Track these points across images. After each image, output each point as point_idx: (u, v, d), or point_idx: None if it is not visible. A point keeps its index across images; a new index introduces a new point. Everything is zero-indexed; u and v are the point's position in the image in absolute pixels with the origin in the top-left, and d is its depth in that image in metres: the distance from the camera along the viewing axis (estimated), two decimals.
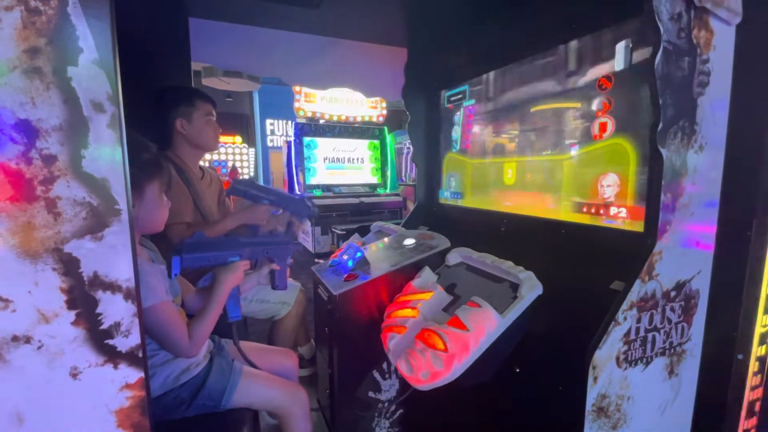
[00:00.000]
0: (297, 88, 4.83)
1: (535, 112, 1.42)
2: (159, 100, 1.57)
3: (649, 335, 0.96)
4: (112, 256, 0.57)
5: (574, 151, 1.27)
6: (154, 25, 1.65)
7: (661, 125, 0.88)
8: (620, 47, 1.09)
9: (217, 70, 4.83)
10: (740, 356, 1.05)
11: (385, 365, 1.45)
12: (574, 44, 1.25)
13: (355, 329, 1.37)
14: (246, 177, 8.10)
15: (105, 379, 0.59)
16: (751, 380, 1.06)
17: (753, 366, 1.06)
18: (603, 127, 1.15)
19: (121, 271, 0.58)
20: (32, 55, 0.52)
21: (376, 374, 1.44)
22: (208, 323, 1.08)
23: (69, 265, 0.56)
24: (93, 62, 0.54)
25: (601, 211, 1.17)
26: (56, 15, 0.53)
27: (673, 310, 0.99)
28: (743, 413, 1.08)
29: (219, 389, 1.12)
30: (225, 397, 1.12)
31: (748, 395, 1.07)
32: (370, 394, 1.44)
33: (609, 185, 1.14)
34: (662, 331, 0.99)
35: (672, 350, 1.02)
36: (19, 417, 0.55)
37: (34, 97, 0.52)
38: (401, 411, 1.52)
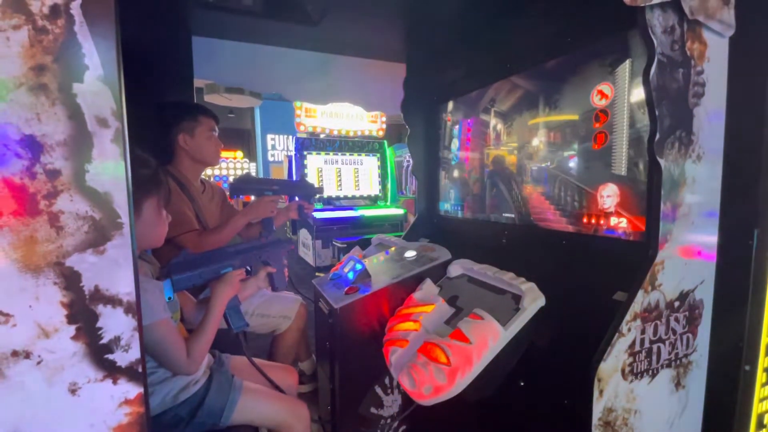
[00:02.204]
0: (298, 104, 4.89)
1: (533, 124, 1.44)
2: (162, 114, 1.59)
3: (654, 346, 0.95)
4: (113, 270, 0.57)
5: (572, 163, 1.28)
6: (159, 44, 1.68)
7: (658, 136, 0.88)
8: (616, 60, 1.11)
9: (219, 86, 4.91)
10: (747, 367, 1.03)
11: (387, 380, 1.43)
12: (570, 57, 1.27)
13: (357, 343, 1.36)
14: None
15: (104, 395, 0.58)
16: (760, 392, 1.04)
17: (761, 377, 1.04)
18: (601, 138, 1.16)
19: (122, 285, 0.58)
20: (39, 73, 0.53)
21: (378, 389, 1.42)
22: (207, 339, 1.06)
23: (70, 279, 0.55)
24: (98, 79, 0.55)
25: (602, 222, 1.17)
26: (63, 34, 0.54)
27: (677, 320, 0.98)
28: (752, 426, 1.06)
29: (218, 407, 1.10)
30: (224, 414, 1.10)
31: (757, 407, 1.05)
32: (372, 409, 1.42)
33: (609, 195, 1.15)
34: (667, 342, 0.98)
35: (678, 362, 1.00)
36: None
37: (39, 113, 0.53)
38: (404, 427, 1.49)
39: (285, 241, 1.31)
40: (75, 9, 0.54)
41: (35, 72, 0.53)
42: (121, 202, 0.57)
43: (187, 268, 1.08)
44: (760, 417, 1.06)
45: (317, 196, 1.81)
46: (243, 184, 1.72)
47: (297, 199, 1.80)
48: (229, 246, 1.20)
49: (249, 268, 1.25)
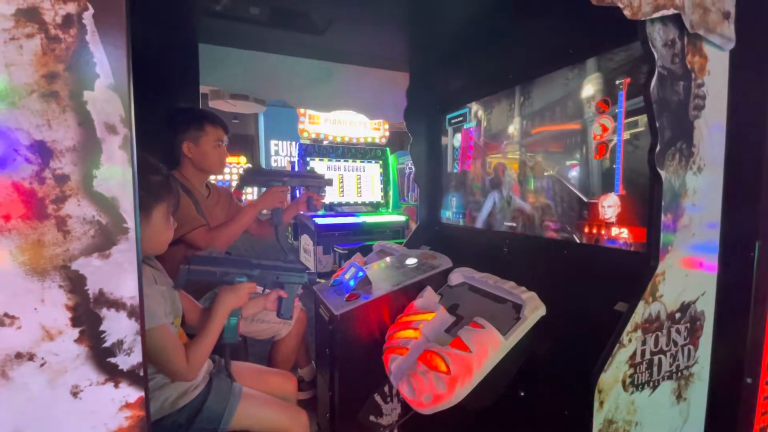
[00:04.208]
0: (301, 111, 4.93)
1: (536, 133, 1.45)
2: (170, 120, 1.60)
3: (655, 358, 0.95)
4: (118, 274, 0.58)
5: (574, 172, 1.28)
6: (166, 51, 1.71)
7: (658, 147, 0.89)
8: (617, 71, 1.12)
9: (224, 92, 4.96)
10: (749, 380, 1.02)
11: (386, 388, 1.42)
12: (572, 68, 1.29)
13: (357, 350, 1.36)
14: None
15: (105, 398, 0.59)
16: (762, 405, 1.04)
17: (763, 390, 1.03)
18: (602, 149, 1.17)
19: (127, 289, 0.59)
20: (50, 80, 0.54)
21: (378, 397, 1.41)
22: (207, 345, 1.06)
23: (75, 283, 0.56)
24: (108, 87, 0.57)
25: (603, 232, 1.17)
26: (75, 42, 0.55)
27: (678, 332, 0.98)
28: None
29: (217, 413, 1.10)
30: (224, 420, 1.10)
31: (759, 420, 1.04)
32: (372, 418, 1.41)
33: (610, 206, 1.15)
34: (668, 354, 0.97)
35: (679, 374, 1.00)
36: None
37: (50, 120, 0.54)
38: None
39: (309, 271, 1.26)
40: (87, 19, 0.55)
41: (47, 79, 0.54)
42: (127, 207, 0.58)
43: (207, 263, 1.10)
44: (762, 430, 1.05)
45: (326, 187, 1.82)
46: (253, 176, 1.73)
47: (307, 190, 1.81)
48: (251, 257, 1.19)
49: (263, 289, 1.23)
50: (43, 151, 0.54)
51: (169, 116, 1.61)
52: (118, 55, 0.57)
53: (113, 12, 0.57)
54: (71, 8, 0.55)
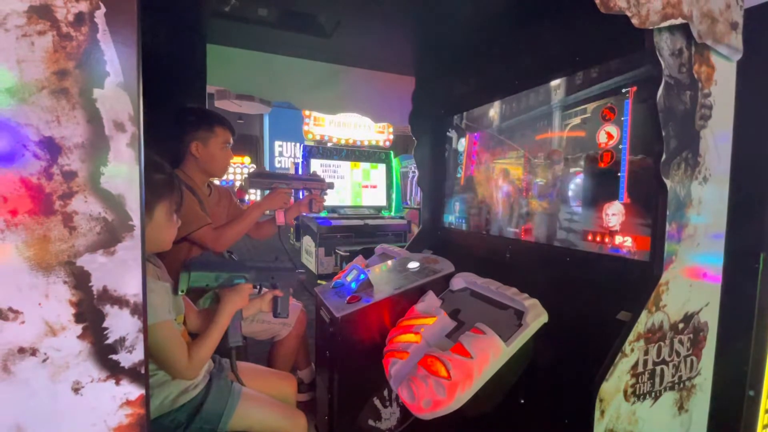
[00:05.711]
0: (307, 112, 4.95)
1: (540, 140, 1.45)
2: (179, 119, 1.61)
3: (657, 368, 0.94)
4: (122, 271, 0.58)
5: (578, 179, 1.28)
6: (175, 51, 1.72)
7: (664, 156, 0.89)
8: (624, 79, 1.12)
9: (230, 92, 4.99)
10: (751, 393, 1.02)
11: (386, 392, 1.42)
12: (578, 75, 1.29)
13: (357, 353, 1.35)
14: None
15: (106, 395, 0.59)
16: (764, 418, 1.03)
17: (765, 403, 1.02)
18: (607, 157, 1.17)
19: (130, 286, 0.59)
20: (61, 77, 0.55)
21: (377, 401, 1.41)
22: (210, 345, 1.06)
23: (80, 279, 0.56)
24: (118, 85, 0.57)
25: (607, 240, 1.17)
26: (86, 41, 0.56)
27: (681, 342, 0.97)
28: None
29: (217, 412, 1.10)
30: (223, 420, 1.10)
31: None
32: (370, 422, 1.41)
33: (614, 214, 1.15)
34: (671, 365, 0.97)
35: (681, 385, 0.99)
36: (19, 431, 0.55)
37: (59, 116, 0.55)
38: None
39: (299, 270, 1.32)
40: (99, 17, 0.56)
41: (57, 76, 0.55)
42: (133, 204, 0.59)
43: (206, 267, 1.11)
44: None
45: (327, 190, 1.86)
46: (259, 178, 1.76)
47: (310, 192, 1.84)
48: (246, 259, 1.21)
49: (259, 287, 1.25)
50: (51, 147, 0.54)
51: (179, 115, 1.61)
52: (129, 53, 0.57)
53: (125, 11, 0.57)
54: (83, 6, 0.55)
